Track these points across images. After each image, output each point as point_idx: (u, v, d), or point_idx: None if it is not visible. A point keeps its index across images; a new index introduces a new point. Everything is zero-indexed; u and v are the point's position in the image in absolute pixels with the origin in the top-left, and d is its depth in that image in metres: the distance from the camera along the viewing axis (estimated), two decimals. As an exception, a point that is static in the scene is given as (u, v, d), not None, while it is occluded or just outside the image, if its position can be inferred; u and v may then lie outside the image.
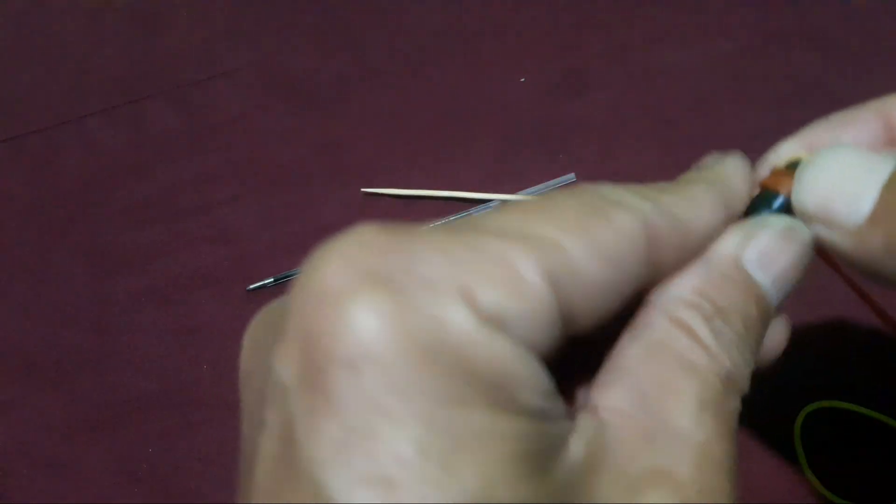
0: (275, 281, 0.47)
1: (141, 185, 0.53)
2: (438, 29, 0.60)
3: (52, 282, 0.49)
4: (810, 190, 0.20)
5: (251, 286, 0.47)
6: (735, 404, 0.18)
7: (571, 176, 0.49)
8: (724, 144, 0.50)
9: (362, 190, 0.51)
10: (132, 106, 0.58)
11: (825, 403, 0.38)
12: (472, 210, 0.49)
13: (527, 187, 0.49)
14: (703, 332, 0.17)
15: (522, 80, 0.56)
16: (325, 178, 0.52)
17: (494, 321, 0.14)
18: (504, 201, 0.49)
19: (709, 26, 0.57)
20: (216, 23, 0.63)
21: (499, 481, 0.13)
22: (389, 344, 0.14)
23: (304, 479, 0.13)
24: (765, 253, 0.19)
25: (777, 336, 0.21)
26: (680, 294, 0.18)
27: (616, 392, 0.17)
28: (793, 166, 0.22)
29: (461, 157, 0.52)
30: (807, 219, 0.20)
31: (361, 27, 0.61)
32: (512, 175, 0.50)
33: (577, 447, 0.16)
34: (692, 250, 0.19)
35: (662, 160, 0.49)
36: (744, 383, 0.18)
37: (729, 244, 0.19)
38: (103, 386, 0.45)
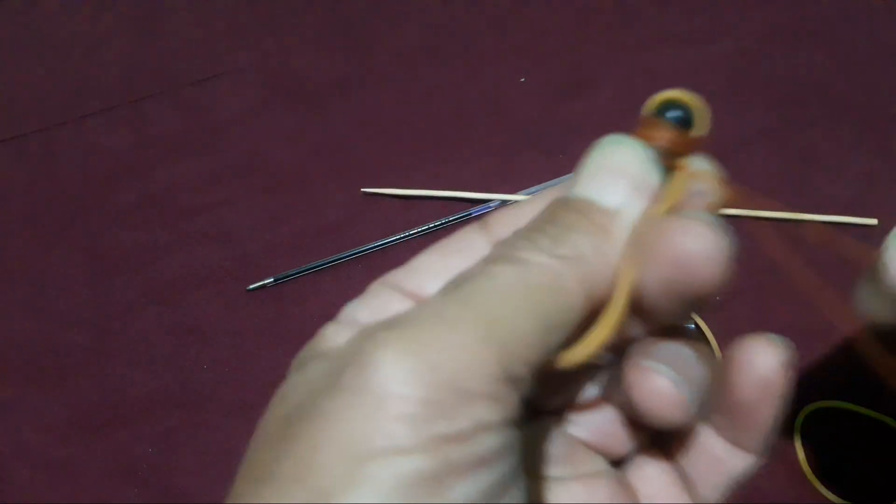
0: (275, 281, 0.47)
1: (141, 185, 0.53)
2: (438, 29, 0.60)
3: (52, 282, 0.49)
4: None
5: (251, 286, 0.47)
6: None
7: (571, 176, 0.49)
8: (724, 144, 0.51)
9: (362, 190, 0.51)
10: (132, 106, 0.58)
11: (825, 403, 0.38)
12: (473, 210, 0.49)
13: (527, 187, 0.49)
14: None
15: (522, 80, 0.56)
16: (325, 178, 0.52)
17: (344, 323, 0.20)
18: (504, 201, 0.49)
19: (709, 26, 0.57)
20: (216, 23, 0.63)
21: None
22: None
23: None
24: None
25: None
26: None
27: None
28: (663, 110, 0.20)
29: (461, 157, 0.52)
30: None
31: (361, 27, 0.61)
32: (512, 175, 0.50)
33: None
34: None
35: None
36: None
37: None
38: (103, 386, 0.45)
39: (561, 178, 0.49)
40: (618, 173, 0.20)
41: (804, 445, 0.37)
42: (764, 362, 0.20)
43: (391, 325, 0.17)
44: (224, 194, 0.52)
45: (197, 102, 0.58)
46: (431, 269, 0.21)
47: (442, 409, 0.16)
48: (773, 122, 0.51)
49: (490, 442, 0.16)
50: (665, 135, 0.20)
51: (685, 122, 0.20)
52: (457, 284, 0.18)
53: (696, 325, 0.20)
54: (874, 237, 0.46)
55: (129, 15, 0.65)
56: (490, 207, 0.49)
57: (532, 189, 0.49)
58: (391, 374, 0.16)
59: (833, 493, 0.36)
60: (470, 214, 0.49)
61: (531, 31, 0.59)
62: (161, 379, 0.44)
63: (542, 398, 0.22)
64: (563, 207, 0.20)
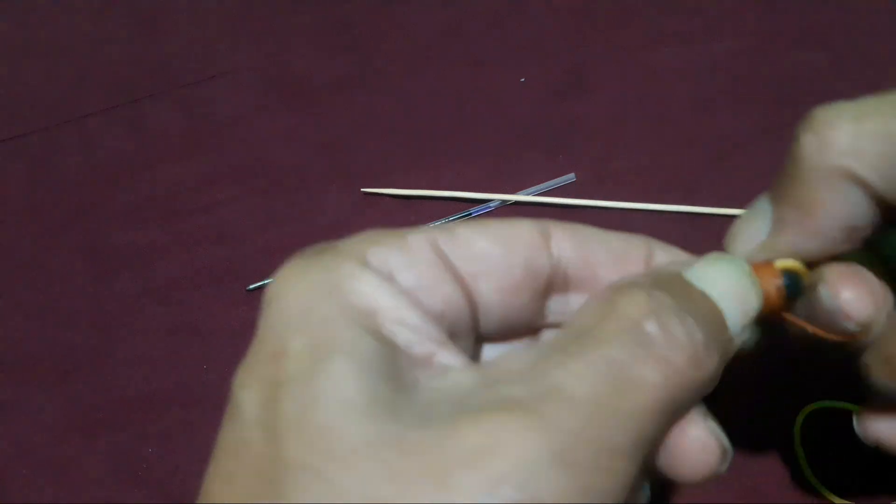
0: (275, 281, 0.47)
1: (141, 185, 0.53)
2: (438, 29, 0.60)
3: (51, 282, 0.49)
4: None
5: (251, 286, 0.47)
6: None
7: (571, 176, 0.49)
8: (724, 144, 0.51)
9: (362, 190, 0.51)
10: (132, 106, 0.58)
11: (825, 403, 0.38)
12: (473, 210, 0.49)
13: (527, 187, 0.49)
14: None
15: (522, 80, 0.56)
16: (325, 178, 0.52)
17: (378, 271, 0.20)
18: (504, 201, 0.49)
19: (709, 26, 0.57)
20: (216, 23, 0.63)
21: (350, 383, 0.18)
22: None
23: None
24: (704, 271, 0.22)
25: None
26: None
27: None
28: (789, 279, 0.23)
29: (461, 157, 0.52)
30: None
31: (361, 27, 0.61)
32: (512, 175, 0.50)
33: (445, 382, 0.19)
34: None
35: (662, 160, 0.49)
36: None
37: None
38: (103, 386, 0.45)
39: (561, 178, 0.49)
40: (735, 297, 0.21)
41: (804, 445, 0.37)
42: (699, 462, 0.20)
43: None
44: (224, 194, 0.52)
45: (197, 102, 0.58)
46: (478, 251, 0.22)
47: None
48: (773, 122, 0.51)
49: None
50: (776, 294, 0.23)
51: (793, 293, 0.23)
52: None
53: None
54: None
55: (128, 15, 0.65)
56: (490, 207, 0.49)
57: (532, 189, 0.49)
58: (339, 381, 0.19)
59: (833, 493, 0.36)
60: (470, 214, 0.49)
61: (531, 31, 0.59)
62: (161, 379, 0.44)
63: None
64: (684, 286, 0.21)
